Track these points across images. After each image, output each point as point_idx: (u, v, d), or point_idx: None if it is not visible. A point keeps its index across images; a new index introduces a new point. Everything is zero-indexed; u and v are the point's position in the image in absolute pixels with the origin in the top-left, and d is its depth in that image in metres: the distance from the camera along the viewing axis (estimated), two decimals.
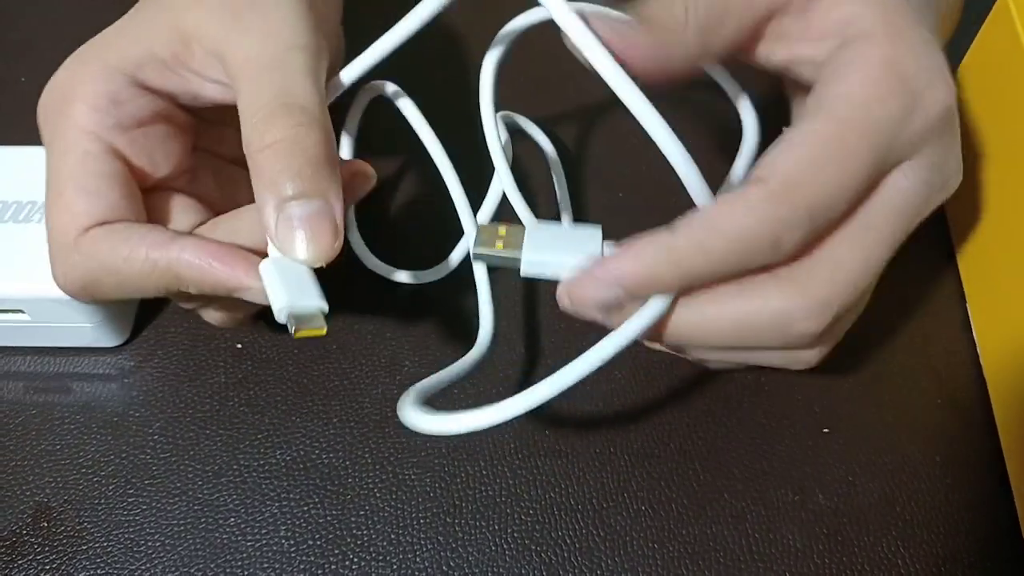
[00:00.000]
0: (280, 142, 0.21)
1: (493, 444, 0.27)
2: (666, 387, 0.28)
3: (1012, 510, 0.26)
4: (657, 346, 0.24)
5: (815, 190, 0.20)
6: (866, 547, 0.25)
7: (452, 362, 0.25)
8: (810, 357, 0.23)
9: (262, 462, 0.27)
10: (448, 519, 0.26)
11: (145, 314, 0.29)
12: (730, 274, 0.21)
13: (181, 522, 0.26)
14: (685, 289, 0.22)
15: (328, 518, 0.26)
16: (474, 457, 0.27)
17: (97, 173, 0.23)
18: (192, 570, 0.25)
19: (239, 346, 0.29)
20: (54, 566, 0.25)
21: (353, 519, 0.26)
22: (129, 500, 0.26)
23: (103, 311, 0.27)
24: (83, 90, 0.23)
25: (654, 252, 0.21)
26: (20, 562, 0.25)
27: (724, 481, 0.26)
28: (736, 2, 0.22)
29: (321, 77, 0.23)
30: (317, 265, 0.22)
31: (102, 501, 0.26)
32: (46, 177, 0.23)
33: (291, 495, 0.26)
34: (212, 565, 0.25)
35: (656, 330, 0.22)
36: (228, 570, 0.25)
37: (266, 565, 0.25)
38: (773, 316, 0.21)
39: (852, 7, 0.22)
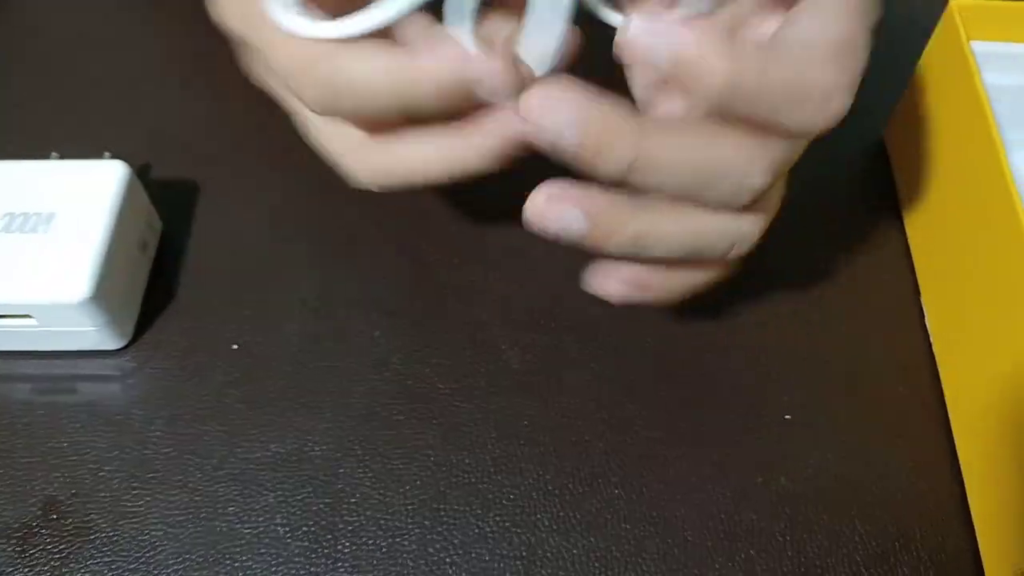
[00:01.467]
0: None
1: (475, 434, 0.29)
2: (638, 379, 0.30)
3: (962, 490, 0.28)
4: (574, 212, 0.23)
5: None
6: (825, 525, 0.27)
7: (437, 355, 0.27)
8: (750, 228, 0.24)
9: (258, 455, 0.28)
10: (434, 505, 0.27)
11: (144, 318, 0.31)
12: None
13: (183, 512, 0.27)
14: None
15: (321, 506, 0.27)
16: (457, 447, 0.28)
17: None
18: (194, 556, 0.27)
19: (235, 347, 0.30)
20: (63, 555, 0.27)
21: (344, 506, 0.27)
22: (133, 492, 0.28)
23: (107, 314, 0.28)
24: None
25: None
26: (31, 552, 0.27)
27: (692, 466, 0.28)
28: None
29: None
30: None
31: (107, 494, 0.28)
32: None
33: (286, 485, 0.28)
34: (212, 551, 0.27)
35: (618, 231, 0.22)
36: (227, 555, 0.27)
37: (263, 550, 0.27)
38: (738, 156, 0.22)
39: None
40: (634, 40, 0.20)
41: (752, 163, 0.22)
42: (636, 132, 0.21)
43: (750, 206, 0.23)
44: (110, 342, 0.30)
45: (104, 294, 0.28)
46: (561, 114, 0.21)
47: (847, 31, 0.22)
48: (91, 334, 0.29)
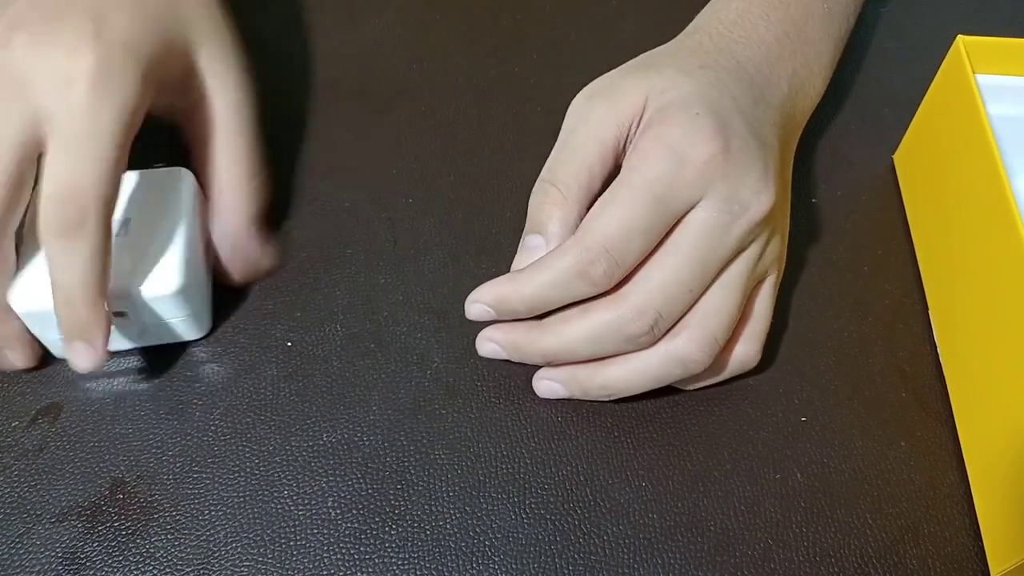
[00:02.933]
0: None
1: (513, 428, 0.31)
2: None
3: (966, 486, 0.30)
4: (556, 386, 0.31)
5: (603, 229, 0.28)
6: (838, 519, 0.29)
7: (476, 355, 0.29)
8: (696, 359, 0.29)
9: (311, 444, 0.30)
10: (474, 492, 0.29)
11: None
12: (564, 299, 0.29)
13: (240, 495, 0.29)
14: (535, 310, 0.29)
15: (369, 491, 0.29)
16: (496, 440, 0.30)
17: None
18: (251, 536, 0.29)
19: (289, 344, 0.33)
20: (130, 532, 0.29)
21: (391, 492, 0.29)
22: (194, 476, 0.30)
23: (193, 304, 0.31)
24: None
25: (505, 283, 0.29)
26: (100, 529, 0.29)
27: (714, 462, 0.30)
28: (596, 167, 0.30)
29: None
30: None
31: (170, 477, 0.30)
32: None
33: (337, 472, 0.30)
34: (268, 531, 0.29)
35: (530, 354, 0.30)
36: (282, 535, 0.29)
37: (315, 531, 0.29)
38: (608, 325, 0.28)
39: (650, 112, 0.30)
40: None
41: (617, 319, 0.28)
42: (539, 342, 0.30)
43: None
44: (193, 332, 0.32)
45: (190, 285, 0.30)
46: (489, 346, 0.31)
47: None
48: (179, 324, 0.31)
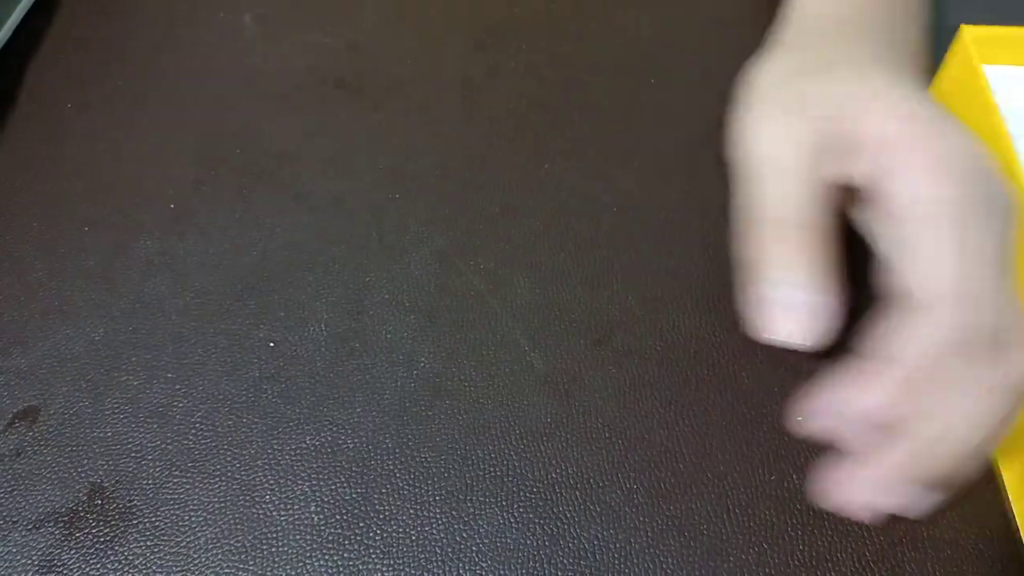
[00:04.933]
0: None
1: (501, 430, 0.30)
2: (654, 379, 0.31)
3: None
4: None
5: (979, 278, 0.24)
6: (834, 521, 0.28)
7: (464, 355, 0.28)
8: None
9: (293, 447, 0.30)
10: (461, 496, 0.29)
11: (182, 316, 0.32)
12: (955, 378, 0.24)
13: (221, 499, 0.29)
14: (913, 406, 0.24)
15: (353, 496, 0.29)
16: (483, 442, 0.30)
17: None
18: (232, 541, 0.28)
19: (271, 344, 0.32)
20: (108, 538, 0.28)
21: (376, 496, 0.29)
22: (174, 480, 0.29)
23: None
24: None
25: (881, 381, 0.24)
26: (78, 535, 0.28)
27: (708, 463, 0.29)
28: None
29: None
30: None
31: (150, 482, 0.29)
32: None
33: (320, 475, 0.29)
34: (250, 537, 0.28)
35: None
36: (264, 541, 0.28)
37: (298, 537, 0.28)
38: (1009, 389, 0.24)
39: (871, 125, 0.26)
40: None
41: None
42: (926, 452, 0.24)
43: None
44: None
45: None
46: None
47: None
48: None
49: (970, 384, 0.24)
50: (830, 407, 0.25)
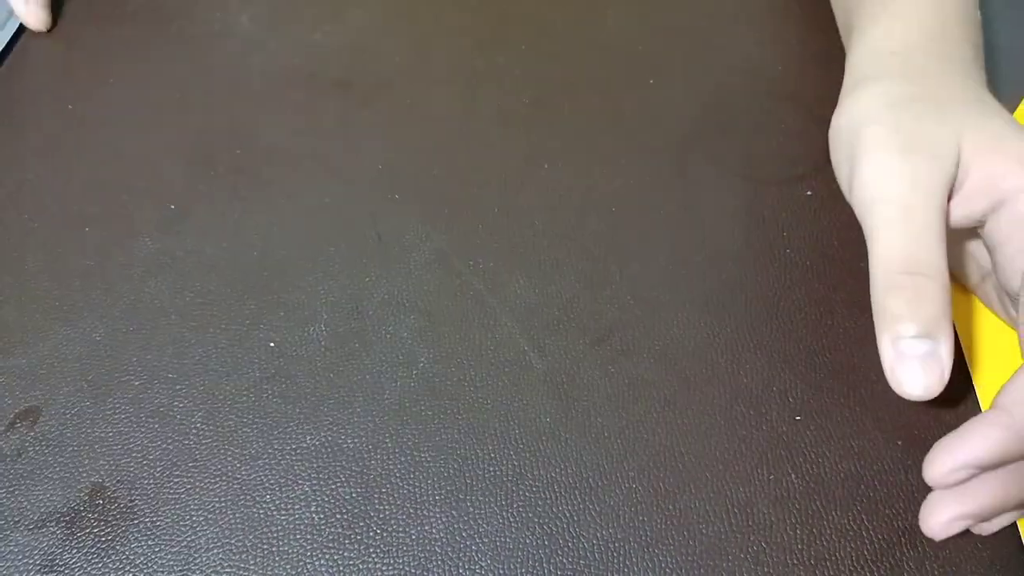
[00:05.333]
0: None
1: (500, 430, 0.30)
2: (652, 379, 0.31)
3: None
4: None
5: None
6: (833, 520, 0.28)
7: (463, 355, 0.28)
8: None
9: (294, 447, 0.30)
10: (460, 495, 0.29)
11: (182, 317, 0.33)
12: None
13: (222, 499, 0.29)
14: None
15: (353, 495, 0.29)
16: (483, 442, 0.30)
17: None
18: (232, 541, 0.28)
19: (272, 345, 0.32)
20: (109, 538, 0.28)
21: (375, 496, 0.29)
22: (175, 480, 0.29)
23: None
24: None
25: (998, 431, 0.24)
26: (79, 535, 0.28)
27: (707, 463, 0.29)
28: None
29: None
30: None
31: (151, 481, 0.29)
32: None
33: (320, 475, 0.29)
34: (250, 537, 0.28)
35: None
36: (264, 541, 0.28)
37: (298, 536, 0.28)
38: None
39: (986, 165, 0.26)
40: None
41: None
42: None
43: None
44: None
45: None
46: (958, 524, 0.25)
47: None
48: None
49: None
50: (962, 460, 0.24)
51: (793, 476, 0.29)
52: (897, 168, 0.26)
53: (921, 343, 0.24)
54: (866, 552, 0.28)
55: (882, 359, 0.25)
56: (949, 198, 0.27)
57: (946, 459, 0.24)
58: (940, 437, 0.30)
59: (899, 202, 0.26)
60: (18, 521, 0.28)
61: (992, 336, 0.32)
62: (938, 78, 0.29)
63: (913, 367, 0.24)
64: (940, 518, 0.25)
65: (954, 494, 0.25)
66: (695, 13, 0.42)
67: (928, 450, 0.30)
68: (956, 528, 0.25)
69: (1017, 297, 0.26)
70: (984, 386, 0.31)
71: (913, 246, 0.25)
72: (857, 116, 0.29)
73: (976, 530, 0.27)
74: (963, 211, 0.27)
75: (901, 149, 0.26)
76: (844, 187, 0.29)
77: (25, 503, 0.29)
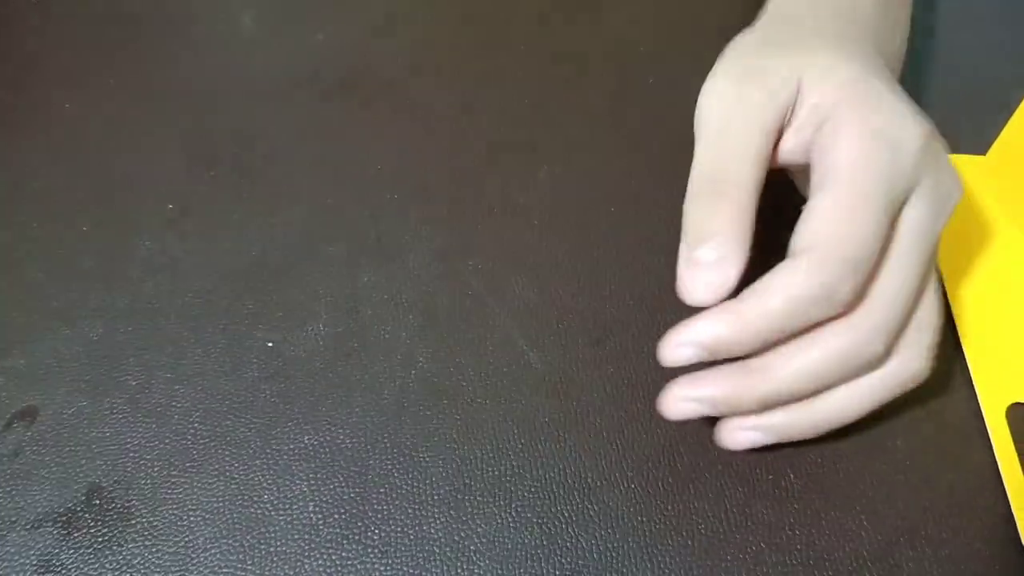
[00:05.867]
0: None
1: (499, 430, 0.30)
2: (650, 380, 0.31)
3: (966, 488, 0.29)
4: (758, 435, 0.27)
5: (851, 244, 0.24)
6: (832, 520, 0.28)
7: (462, 355, 0.28)
8: (924, 373, 0.27)
9: (292, 446, 0.30)
10: (459, 496, 0.29)
11: (180, 316, 0.33)
12: (796, 328, 0.25)
13: (220, 499, 0.29)
14: (758, 346, 0.25)
15: (352, 495, 0.29)
16: (482, 442, 0.30)
17: None
18: (230, 541, 0.28)
19: (270, 344, 0.32)
20: (106, 538, 0.28)
21: (374, 496, 0.29)
22: (172, 480, 0.29)
23: None
24: None
25: (725, 316, 0.25)
26: (76, 535, 0.28)
27: (705, 463, 0.29)
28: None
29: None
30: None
31: (148, 482, 0.29)
32: None
33: (318, 475, 0.29)
34: (248, 536, 0.28)
35: (746, 403, 0.26)
36: (262, 541, 0.28)
37: (296, 536, 0.28)
38: (845, 351, 0.25)
39: (817, 96, 0.26)
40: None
41: (853, 344, 0.25)
42: (758, 388, 0.26)
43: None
44: None
45: None
46: (688, 407, 0.27)
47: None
48: None
49: (819, 345, 0.25)
50: (686, 338, 0.25)
51: (792, 476, 0.29)
52: (723, 92, 0.27)
53: (709, 251, 0.25)
54: (865, 552, 0.28)
55: (679, 266, 0.25)
56: (784, 129, 0.27)
57: (672, 336, 0.25)
58: (938, 434, 0.30)
59: (718, 124, 0.27)
60: (15, 521, 0.28)
61: (987, 320, 0.32)
62: (810, 22, 0.30)
63: (697, 275, 0.25)
64: (670, 394, 0.27)
65: (688, 377, 0.26)
66: (696, 13, 0.42)
67: (926, 452, 0.30)
68: (688, 410, 0.26)
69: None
70: (978, 372, 0.31)
71: (722, 162, 0.26)
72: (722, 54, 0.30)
73: (726, 438, 0.28)
74: (795, 141, 0.27)
75: (734, 79, 0.27)
76: None
77: (22, 503, 0.29)
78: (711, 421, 0.30)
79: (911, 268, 0.25)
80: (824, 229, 0.24)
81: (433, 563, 0.27)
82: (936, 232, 0.26)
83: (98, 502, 0.29)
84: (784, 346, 0.26)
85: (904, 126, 0.25)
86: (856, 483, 0.29)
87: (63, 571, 0.27)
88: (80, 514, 0.28)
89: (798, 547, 0.28)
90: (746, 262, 0.25)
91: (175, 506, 0.28)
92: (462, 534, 0.28)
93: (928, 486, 0.29)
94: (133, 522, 0.28)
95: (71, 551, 0.28)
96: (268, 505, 0.28)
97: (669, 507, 0.28)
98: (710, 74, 0.28)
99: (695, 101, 0.27)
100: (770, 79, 0.27)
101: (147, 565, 0.27)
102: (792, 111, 0.27)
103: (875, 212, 0.24)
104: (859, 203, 0.24)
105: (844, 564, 0.27)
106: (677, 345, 0.25)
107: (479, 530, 0.28)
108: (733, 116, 0.26)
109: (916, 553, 0.28)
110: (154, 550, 0.28)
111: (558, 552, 0.28)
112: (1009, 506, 0.28)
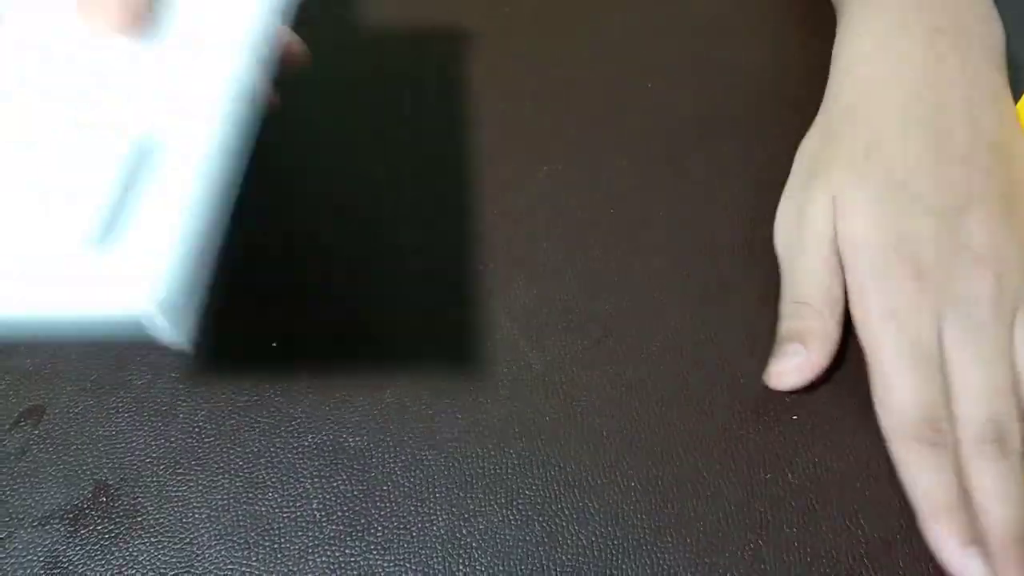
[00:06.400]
0: None
1: (499, 430, 0.30)
2: (650, 379, 0.31)
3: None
4: None
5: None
6: (830, 517, 0.29)
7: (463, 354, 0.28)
8: None
9: (295, 445, 0.30)
10: (460, 493, 0.29)
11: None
12: None
13: (225, 497, 0.29)
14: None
15: (355, 492, 0.29)
16: (483, 441, 0.30)
17: None
18: (235, 538, 0.28)
19: (274, 344, 0.32)
20: (113, 535, 0.28)
21: (377, 493, 0.29)
22: (178, 478, 0.29)
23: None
24: None
25: None
26: (83, 532, 0.28)
27: (704, 462, 0.30)
28: None
29: None
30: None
31: (154, 479, 0.29)
32: None
33: (322, 473, 0.29)
34: (253, 533, 0.28)
35: None
36: (267, 538, 0.28)
37: (300, 533, 0.28)
38: None
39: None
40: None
41: None
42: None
43: None
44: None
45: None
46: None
47: None
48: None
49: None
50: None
51: (790, 475, 0.29)
52: (790, 220, 0.33)
53: (794, 345, 0.31)
54: (863, 551, 0.28)
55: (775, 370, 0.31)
56: None
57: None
58: None
59: (797, 246, 0.33)
60: (22, 518, 0.29)
61: None
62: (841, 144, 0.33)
63: (783, 361, 0.31)
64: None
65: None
66: (696, 14, 0.42)
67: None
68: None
69: None
70: None
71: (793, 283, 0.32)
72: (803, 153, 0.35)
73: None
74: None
75: (799, 209, 0.33)
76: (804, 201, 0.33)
77: (29, 500, 0.29)
78: (711, 421, 0.30)
79: None
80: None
81: (435, 560, 0.28)
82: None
83: (104, 499, 0.29)
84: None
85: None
86: (853, 481, 0.29)
87: (70, 567, 0.28)
88: (87, 511, 0.29)
89: (796, 545, 0.28)
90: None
91: (181, 503, 0.29)
92: (464, 531, 0.28)
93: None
94: (139, 519, 0.29)
95: (78, 547, 0.28)
96: (272, 503, 0.29)
97: (668, 506, 0.29)
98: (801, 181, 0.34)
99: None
100: (813, 207, 0.32)
101: (153, 562, 0.28)
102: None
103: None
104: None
105: (843, 563, 0.28)
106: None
107: (480, 527, 0.28)
108: (806, 242, 0.32)
109: (912, 549, 0.28)
110: (160, 547, 0.28)
111: (558, 550, 0.28)
112: None
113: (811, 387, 0.31)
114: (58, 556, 0.28)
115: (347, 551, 0.28)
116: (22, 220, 0.23)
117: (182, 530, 0.28)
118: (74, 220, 0.22)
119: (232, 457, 0.30)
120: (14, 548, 0.28)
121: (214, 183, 0.24)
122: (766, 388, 0.31)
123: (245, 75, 0.26)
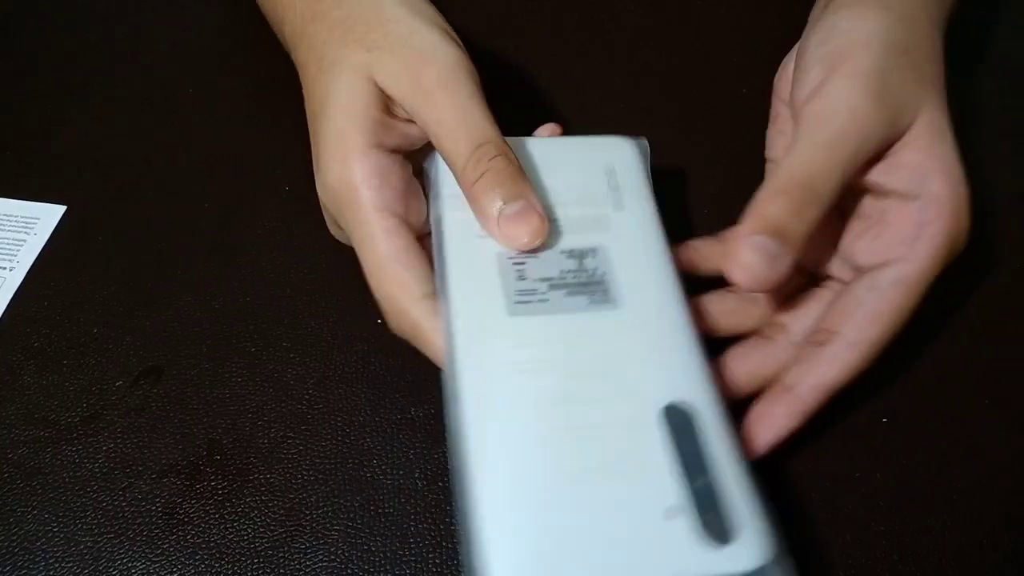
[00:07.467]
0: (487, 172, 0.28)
1: None
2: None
3: None
4: None
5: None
6: (916, 518, 0.29)
7: None
8: None
9: (399, 416, 0.31)
10: None
11: (295, 290, 0.34)
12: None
13: (331, 461, 0.30)
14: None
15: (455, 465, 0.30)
16: None
17: (406, 247, 0.28)
18: (340, 500, 0.30)
19: (379, 321, 0.34)
20: (227, 492, 0.30)
21: None
22: (288, 441, 0.31)
23: None
24: (358, 177, 0.28)
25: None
26: (198, 487, 0.30)
27: (795, 458, 0.30)
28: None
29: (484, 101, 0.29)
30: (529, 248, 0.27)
31: (265, 441, 0.31)
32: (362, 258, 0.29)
33: (424, 444, 0.31)
34: (358, 497, 0.30)
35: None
36: (371, 502, 0.29)
37: (403, 500, 0.30)
38: None
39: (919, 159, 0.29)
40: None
41: None
42: None
43: None
44: None
45: None
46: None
47: None
48: None
49: None
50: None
51: (879, 475, 0.30)
52: (860, 107, 0.28)
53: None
54: (948, 550, 0.28)
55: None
56: (876, 157, 0.29)
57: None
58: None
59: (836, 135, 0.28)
60: (142, 470, 0.30)
61: None
62: (921, 29, 0.30)
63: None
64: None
65: None
66: (700, 14, 0.43)
67: (1013, 460, 0.30)
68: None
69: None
70: None
71: (821, 173, 0.27)
72: (859, 34, 0.29)
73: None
74: (882, 177, 0.29)
75: (875, 96, 0.28)
76: (800, 66, 0.30)
77: (147, 454, 0.31)
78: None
79: None
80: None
81: None
82: None
83: (219, 457, 0.31)
84: None
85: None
86: (939, 484, 0.30)
87: (186, 518, 0.29)
88: (202, 468, 0.30)
89: (883, 542, 0.29)
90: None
91: (289, 465, 0.30)
92: None
93: (1013, 491, 0.30)
94: (251, 478, 0.30)
95: (194, 500, 0.30)
96: (376, 469, 0.30)
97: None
98: (856, 71, 0.29)
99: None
100: (897, 118, 0.28)
101: (264, 518, 0.29)
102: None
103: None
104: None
105: (929, 560, 0.28)
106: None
107: None
108: (843, 137, 0.28)
109: (997, 556, 0.28)
110: (271, 505, 0.30)
111: None
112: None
113: (902, 394, 0.32)
114: (175, 508, 0.30)
115: (447, 519, 0.29)
116: (604, 502, 0.23)
117: (291, 490, 0.30)
118: (654, 491, 0.23)
119: (339, 424, 0.31)
120: (133, 497, 0.30)
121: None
122: (860, 389, 0.31)
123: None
